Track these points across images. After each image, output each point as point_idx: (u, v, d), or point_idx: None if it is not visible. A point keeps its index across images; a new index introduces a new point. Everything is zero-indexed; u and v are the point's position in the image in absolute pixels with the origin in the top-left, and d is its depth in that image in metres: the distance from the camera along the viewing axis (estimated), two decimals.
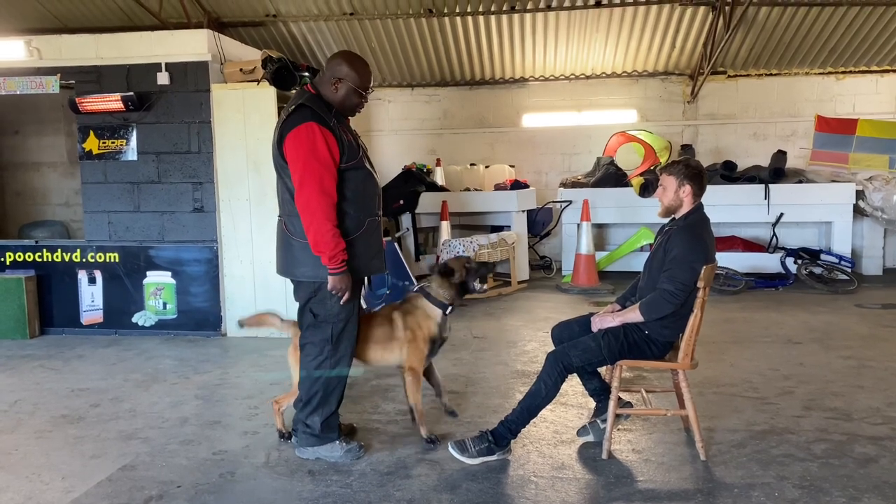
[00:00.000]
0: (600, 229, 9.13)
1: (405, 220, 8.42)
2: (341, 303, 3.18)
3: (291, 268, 3.28)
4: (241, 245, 5.87)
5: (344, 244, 3.11)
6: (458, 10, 8.44)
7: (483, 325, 6.29)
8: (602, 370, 3.59)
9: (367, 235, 3.26)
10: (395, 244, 7.38)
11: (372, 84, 3.31)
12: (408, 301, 3.57)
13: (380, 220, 3.39)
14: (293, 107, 3.15)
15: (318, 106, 3.16)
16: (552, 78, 9.89)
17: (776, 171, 8.26)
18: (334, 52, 9.17)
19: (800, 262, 7.87)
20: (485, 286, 3.56)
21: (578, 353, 3.26)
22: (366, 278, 3.47)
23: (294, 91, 5.71)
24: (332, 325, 3.24)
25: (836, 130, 8.89)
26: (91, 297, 6.17)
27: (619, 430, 3.65)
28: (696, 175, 3.35)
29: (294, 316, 3.46)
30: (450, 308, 3.50)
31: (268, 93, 5.65)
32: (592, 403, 3.70)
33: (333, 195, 3.09)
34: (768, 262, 8.15)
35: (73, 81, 5.99)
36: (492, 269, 3.72)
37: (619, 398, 3.40)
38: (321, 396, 3.29)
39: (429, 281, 3.56)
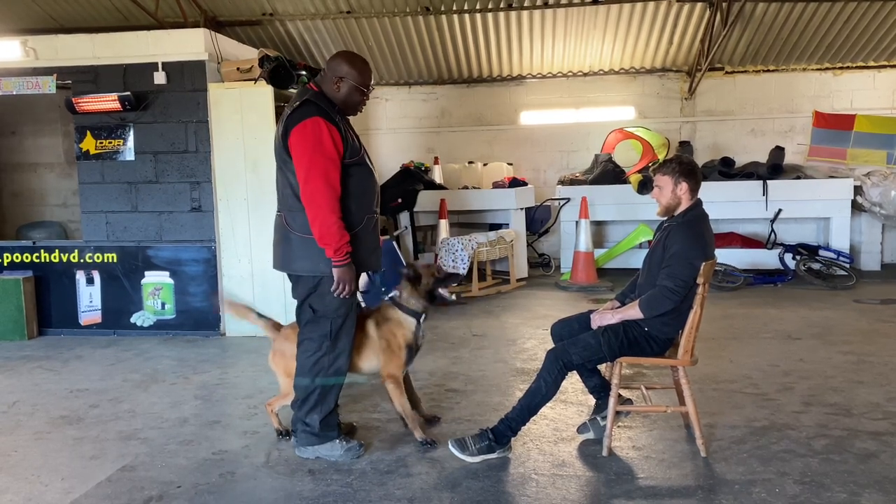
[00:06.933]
0: (599, 226, 9.12)
1: (403, 218, 8.42)
2: (343, 295, 3.17)
3: (290, 262, 3.27)
4: (239, 244, 5.86)
5: (348, 236, 3.13)
6: (455, 8, 8.42)
7: (482, 322, 6.28)
8: (602, 367, 3.59)
9: (365, 231, 3.28)
10: (394, 243, 7.37)
11: (372, 82, 3.32)
12: (380, 310, 3.58)
13: (377, 216, 3.41)
14: (298, 102, 3.17)
15: (323, 102, 3.18)
16: (550, 75, 9.87)
17: (774, 167, 8.26)
18: (332, 50, 9.17)
19: (798, 258, 7.87)
20: (452, 296, 3.60)
21: (578, 350, 3.26)
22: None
23: (292, 90, 5.70)
24: (331, 321, 3.24)
25: (833, 126, 8.91)
26: (89, 297, 6.16)
27: (619, 427, 3.65)
28: (690, 171, 3.35)
29: (293, 316, 3.45)
30: (423, 316, 3.52)
31: (265, 92, 5.64)
32: (592, 401, 3.70)
33: (338, 188, 3.11)
34: (767, 259, 8.15)
35: (70, 81, 5.97)
36: (460, 278, 3.79)
37: (620, 395, 3.40)
38: (319, 394, 3.28)
39: (399, 290, 3.56)
